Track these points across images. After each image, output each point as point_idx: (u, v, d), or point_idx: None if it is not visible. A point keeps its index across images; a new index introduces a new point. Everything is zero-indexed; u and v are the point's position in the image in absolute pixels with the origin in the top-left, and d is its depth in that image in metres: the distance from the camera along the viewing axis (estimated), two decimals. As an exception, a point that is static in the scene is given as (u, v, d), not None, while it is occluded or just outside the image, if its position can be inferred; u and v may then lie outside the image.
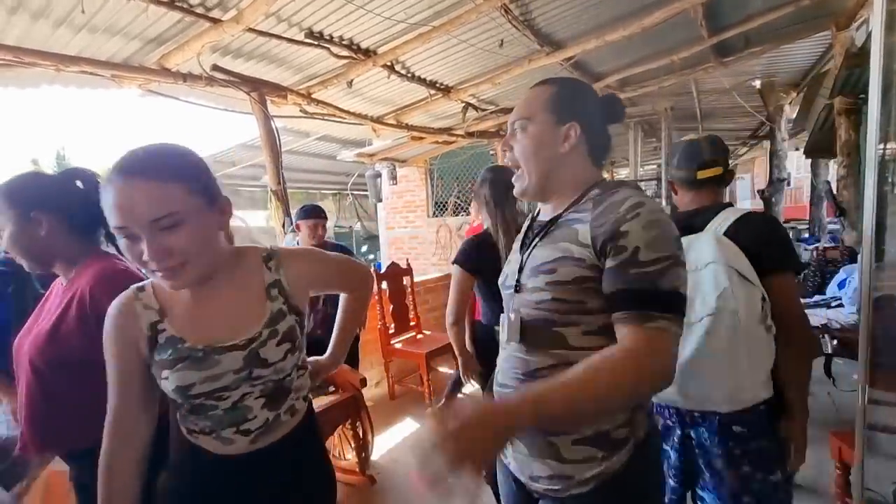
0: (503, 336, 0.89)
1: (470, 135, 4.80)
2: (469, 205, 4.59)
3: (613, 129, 0.93)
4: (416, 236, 6.91)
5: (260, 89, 2.90)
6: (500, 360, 0.93)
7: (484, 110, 4.24)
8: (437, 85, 3.61)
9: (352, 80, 3.09)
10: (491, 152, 6.00)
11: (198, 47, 2.32)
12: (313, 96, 3.29)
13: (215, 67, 2.64)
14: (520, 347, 0.85)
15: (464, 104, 3.94)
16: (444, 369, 3.67)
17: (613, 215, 0.75)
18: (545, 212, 0.92)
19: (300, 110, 3.42)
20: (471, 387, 2.45)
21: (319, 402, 2.27)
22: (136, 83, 2.63)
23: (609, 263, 0.74)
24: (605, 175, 0.93)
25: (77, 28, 2.11)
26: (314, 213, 2.65)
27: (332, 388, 2.46)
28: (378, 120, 4.03)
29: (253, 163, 6.26)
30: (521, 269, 0.87)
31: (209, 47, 2.42)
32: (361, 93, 3.51)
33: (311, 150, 6.40)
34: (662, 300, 0.70)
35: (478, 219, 2.36)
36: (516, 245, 0.97)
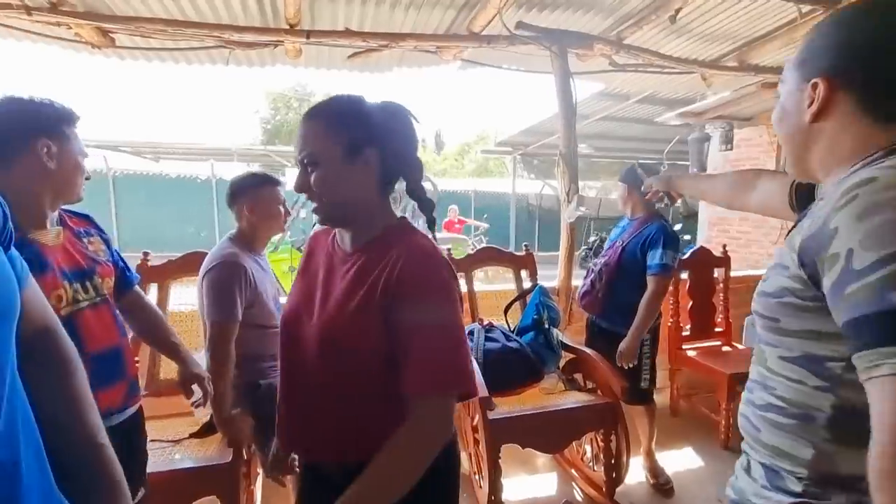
0: None
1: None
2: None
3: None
4: (749, 218, 5.31)
5: (562, 42, 2.64)
6: None
7: None
8: (817, -4, 2.43)
9: (677, 10, 2.41)
10: None
11: (498, 2, 2.24)
12: (625, 42, 2.79)
13: (520, 24, 2.55)
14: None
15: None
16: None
17: (828, 204, 0.56)
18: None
19: (609, 63, 2.99)
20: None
21: (573, 398, 1.99)
22: (452, 53, 2.83)
23: (825, 282, 0.55)
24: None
25: (406, 6, 2.38)
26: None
27: (590, 385, 2.13)
28: (713, 64, 3.14)
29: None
30: None
31: (511, 1, 2.32)
32: (689, 29, 2.75)
33: (630, 115, 5.79)
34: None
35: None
36: None
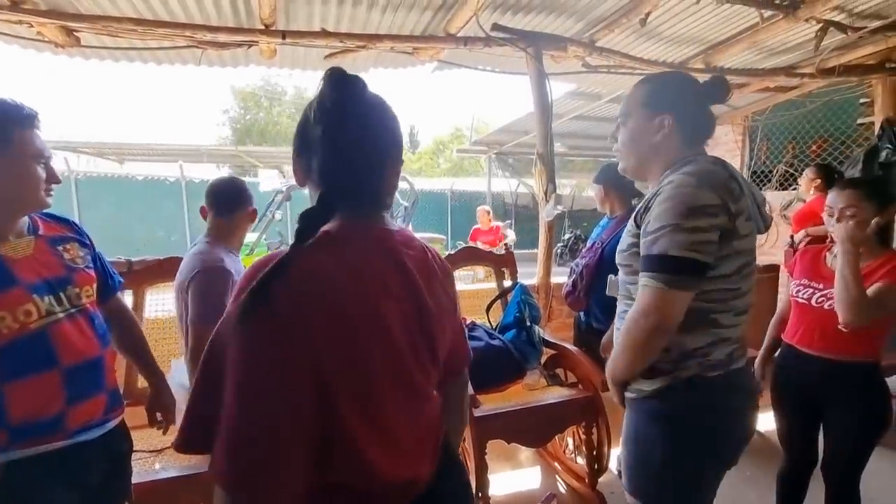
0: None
1: (827, 72, 3.33)
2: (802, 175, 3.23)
3: None
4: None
5: (537, 44, 2.69)
6: None
7: (858, 29, 2.80)
8: (776, 1, 2.56)
9: (647, 14, 2.50)
10: (862, 100, 4.10)
11: (475, 4, 2.27)
12: (597, 44, 2.86)
13: (495, 27, 2.59)
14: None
15: (820, 24, 2.69)
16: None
17: (652, 194, 1.00)
18: None
19: (581, 64, 3.06)
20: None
21: (556, 393, 2.04)
22: (429, 54, 2.85)
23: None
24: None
25: (382, 8, 2.37)
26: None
27: (572, 380, 2.19)
28: (680, 66, 3.25)
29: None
30: None
31: (487, 3, 2.35)
32: (658, 32, 2.85)
33: (601, 115, 5.91)
34: (652, 262, 0.92)
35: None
36: None
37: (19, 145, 0.97)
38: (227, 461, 0.53)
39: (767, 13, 2.56)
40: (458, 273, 2.63)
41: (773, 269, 3.68)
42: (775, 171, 4.99)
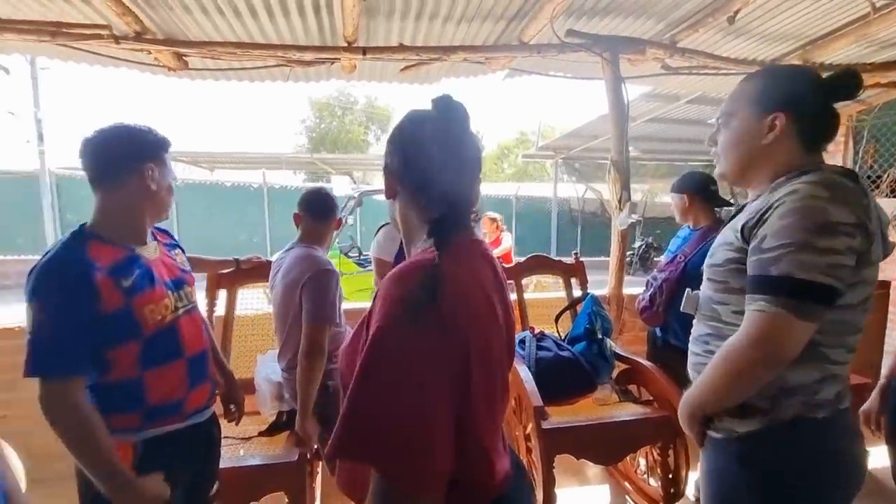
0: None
1: (953, 66, 2.93)
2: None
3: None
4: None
5: (614, 48, 2.61)
6: None
7: None
8: (892, -9, 2.29)
9: (736, 12, 2.34)
10: None
11: (549, 12, 2.25)
12: (679, 45, 2.73)
13: (570, 33, 2.55)
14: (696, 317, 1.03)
15: (947, 14, 2.36)
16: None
17: (761, 203, 0.87)
18: None
19: (661, 66, 2.93)
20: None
21: (629, 410, 1.96)
22: (501, 63, 2.86)
23: (749, 249, 0.86)
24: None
25: (457, 21, 2.43)
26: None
27: (647, 398, 2.09)
28: (774, 64, 3.00)
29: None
30: None
31: (562, 9, 2.32)
32: (748, 29, 2.65)
33: (679, 117, 5.59)
34: (772, 284, 0.79)
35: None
36: None
37: (168, 165, 1.17)
38: (391, 452, 0.57)
39: (881, 2, 2.30)
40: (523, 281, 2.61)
41: (885, 285, 3.28)
42: (886, 177, 4.43)
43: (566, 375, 2.00)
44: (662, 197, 12.32)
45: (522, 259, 2.62)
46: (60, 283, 0.95)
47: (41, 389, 0.95)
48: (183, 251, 1.34)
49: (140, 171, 1.09)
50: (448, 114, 0.73)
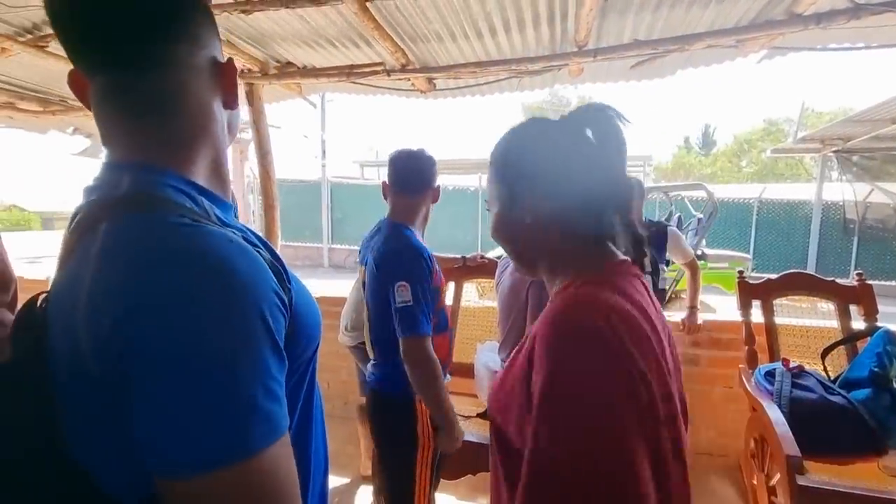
0: None
1: None
2: None
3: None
4: None
5: (944, 1, 1.93)
6: None
7: None
8: None
9: None
10: None
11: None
12: None
13: (866, -8, 1.99)
14: None
15: None
16: None
17: None
18: None
19: None
20: None
21: None
22: (760, 43, 2.43)
23: None
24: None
25: (704, 3, 2.17)
26: None
27: None
28: None
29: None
30: None
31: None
32: None
33: None
34: None
35: None
36: None
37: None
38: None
39: None
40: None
41: None
42: None
43: (836, 426, 1.60)
44: None
45: (775, 276, 2.18)
46: (422, 264, 1.37)
47: (405, 345, 1.31)
48: None
49: (434, 187, 1.56)
50: (612, 121, 0.66)
